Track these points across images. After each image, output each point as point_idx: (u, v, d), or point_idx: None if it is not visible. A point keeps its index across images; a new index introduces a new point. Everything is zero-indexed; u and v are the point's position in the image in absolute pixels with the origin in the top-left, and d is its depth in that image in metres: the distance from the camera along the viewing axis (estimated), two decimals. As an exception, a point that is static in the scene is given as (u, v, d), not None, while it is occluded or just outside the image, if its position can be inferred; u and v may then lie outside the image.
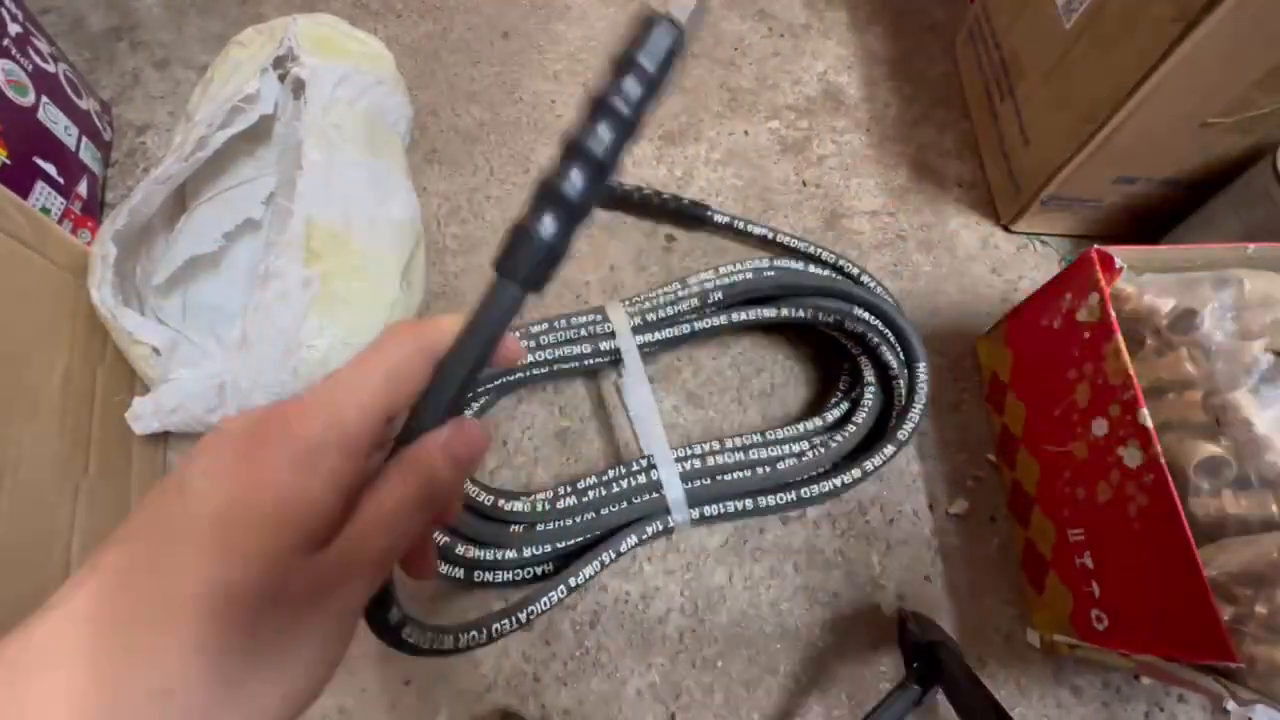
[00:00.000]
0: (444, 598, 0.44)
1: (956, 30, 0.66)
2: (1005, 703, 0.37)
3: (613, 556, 0.41)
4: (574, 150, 0.17)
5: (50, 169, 0.49)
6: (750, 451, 0.44)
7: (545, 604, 0.39)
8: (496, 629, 0.37)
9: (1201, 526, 0.37)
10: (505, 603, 0.45)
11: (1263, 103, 0.44)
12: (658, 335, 0.47)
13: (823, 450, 0.44)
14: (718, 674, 0.44)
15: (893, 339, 0.46)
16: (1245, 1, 0.37)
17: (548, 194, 0.17)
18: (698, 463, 0.43)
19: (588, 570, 0.40)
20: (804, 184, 0.59)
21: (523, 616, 0.38)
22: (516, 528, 0.41)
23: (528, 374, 0.46)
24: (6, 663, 0.13)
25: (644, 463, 0.43)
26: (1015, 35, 0.55)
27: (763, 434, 0.45)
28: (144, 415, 0.42)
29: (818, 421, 0.46)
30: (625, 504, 0.42)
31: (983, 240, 0.58)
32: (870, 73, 0.65)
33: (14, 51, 0.47)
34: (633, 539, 0.42)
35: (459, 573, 0.41)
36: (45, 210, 0.48)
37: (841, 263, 0.51)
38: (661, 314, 0.46)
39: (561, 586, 0.39)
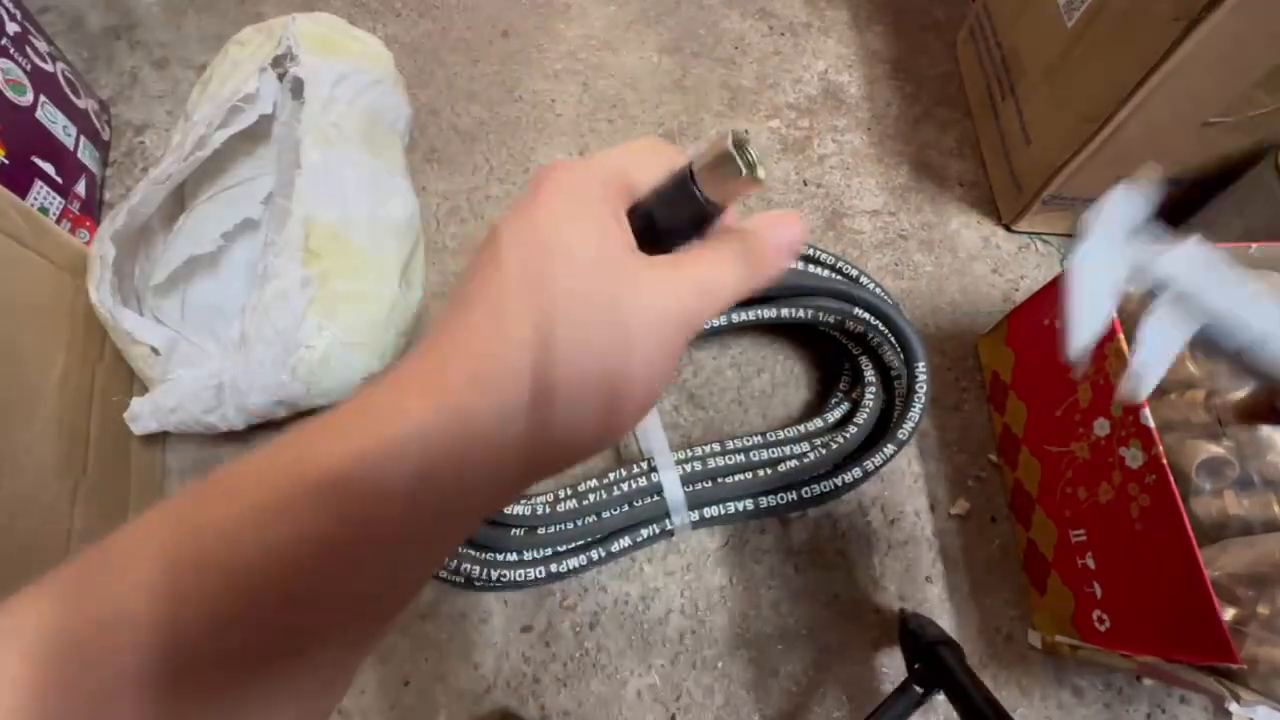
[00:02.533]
0: (444, 600, 0.44)
1: (958, 29, 0.66)
2: (1007, 704, 0.37)
3: (623, 546, 0.42)
4: None
5: (48, 168, 0.49)
6: (751, 453, 0.44)
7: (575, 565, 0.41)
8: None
9: (1203, 527, 0.37)
10: (505, 604, 0.45)
11: (1265, 102, 0.43)
12: (658, 335, 0.46)
13: (824, 451, 0.44)
14: (718, 675, 0.43)
15: (893, 339, 0.46)
16: (1246, 1, 0.37)
17: None
18: (698, 465, 0.43)
19: (580, 559, 0.40)
20: (805, 183, 0.59)
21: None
22: (517, 531, 0.41)
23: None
24: None
25: (645, 465, 0.43)
26: (1016, 34, 0.55)
27: (764, 435, 0.45)
28: (142, 415, 0.42)
29: (819, 422, 0.46)
30: (626, 507, 0.42)
31: (984, 240, 0.58)
32: (871, 71, 0.65)
33: (12, 51, 0.47)
34: (626, 540, 0.42)
35: (459, 576, 0.41)
36: (43, 210, 0.48)
37: (840, 264, 0.50)
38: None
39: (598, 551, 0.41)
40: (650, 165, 0.18)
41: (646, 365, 0.16)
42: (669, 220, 0.18)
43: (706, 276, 0.18)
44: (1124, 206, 0.18)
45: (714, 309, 0.18)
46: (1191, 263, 0.20)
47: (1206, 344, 0.20)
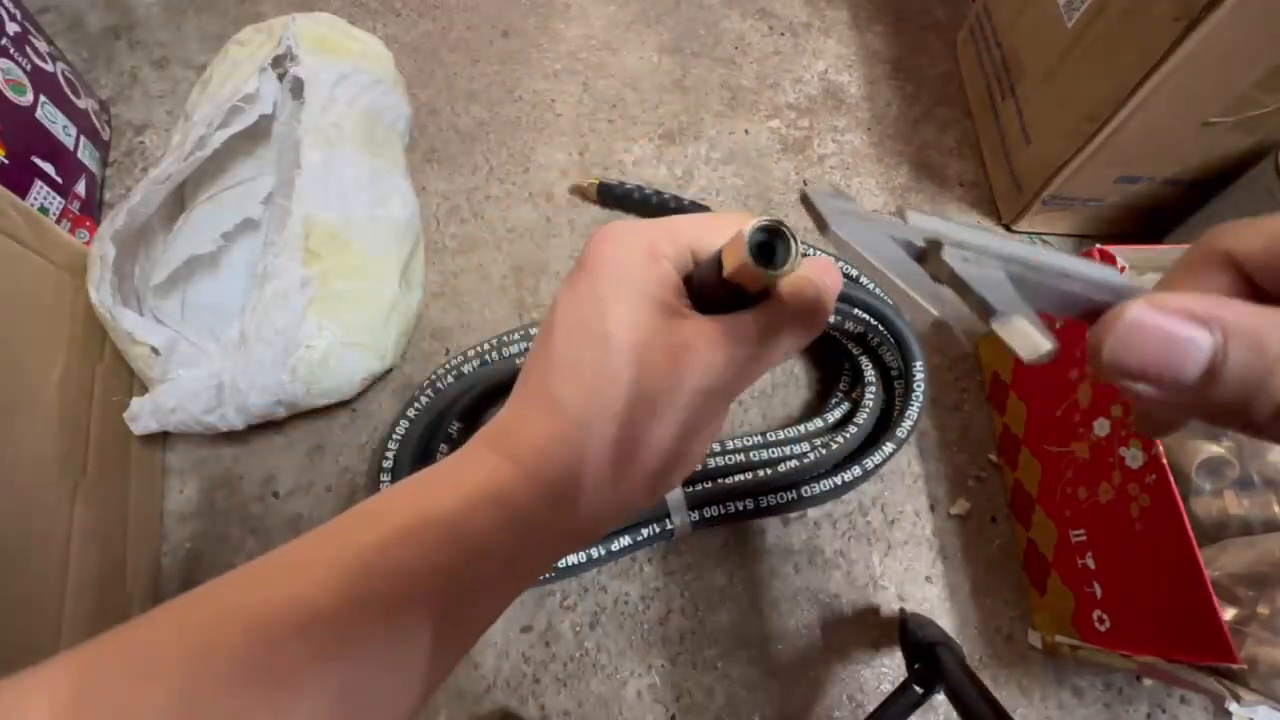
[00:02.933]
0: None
1: (958, 29, 0.66)
2: (1006, 704, 0.37)
3: (623, 546, 0.42)
4: None
5: (48, 168, 0.49)
6: (751, 454, 0.44)
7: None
8: None
9: (1204, 527, 0.37)
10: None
11: (1265, 102, 0.43)
12: (658, 335, 0.46)
13: (824, 451, 0.44)
14: (718, 675, 0.43)
15: (892, 339, 0.46)
16: (1246, 1, 0.37)
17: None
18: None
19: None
20: (805, 183, 0.59)
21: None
22: (516, 528, 0.41)
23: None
24: None
25: (644, 463, 0.43)
26: (1016, 34, 0.55)
27: (764, 435, 0.45)
28: (142, 415, 0.42)
29: (819, 422, 0.46)
30: (625, 505, 0.42)
31: (984, 240, 0.57)
32: (871, 71, 0.65)
33: (12, 51, 0.47)
34: (626, 539, 0.42)
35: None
36: (43, 210, 0.48)
37: (840, 264, 0.50)
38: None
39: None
40: (724, 234, 0.19)
41: (684, 439, 0.18)
42: (715, 293, 0.18)
43: (743, 355, 0.18)
44: (833, 199, 0.16)
45: (756, 376, 0.19)
46: (938, 220, 0.18)
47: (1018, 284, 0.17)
